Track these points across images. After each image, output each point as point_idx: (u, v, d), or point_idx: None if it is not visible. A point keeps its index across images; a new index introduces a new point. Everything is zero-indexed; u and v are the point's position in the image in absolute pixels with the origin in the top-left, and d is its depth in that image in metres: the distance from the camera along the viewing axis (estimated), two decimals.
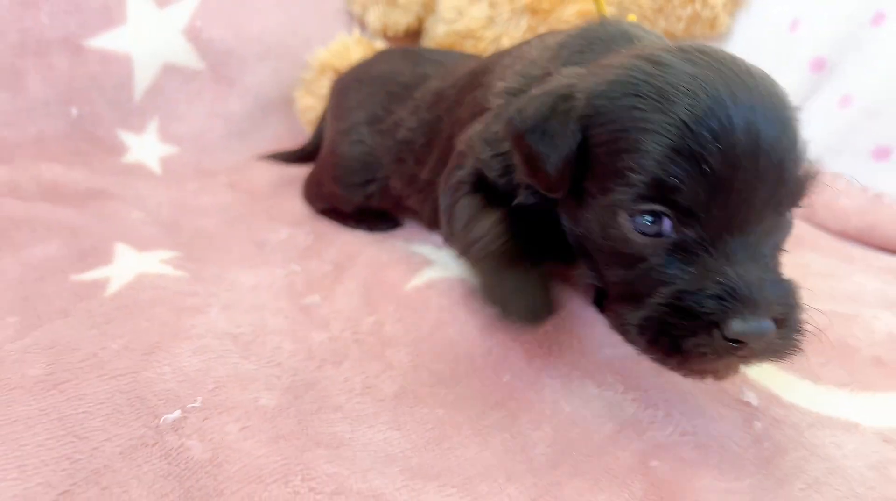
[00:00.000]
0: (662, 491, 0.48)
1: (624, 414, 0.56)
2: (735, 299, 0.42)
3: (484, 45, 1.13)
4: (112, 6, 1.10)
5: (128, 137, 1.14)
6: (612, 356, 0.62)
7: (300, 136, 1.27)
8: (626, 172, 0.45)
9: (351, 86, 0.98)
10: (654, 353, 0.46)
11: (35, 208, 0.87)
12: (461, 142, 0.67)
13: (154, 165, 1.12)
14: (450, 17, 1.15)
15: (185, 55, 1.17)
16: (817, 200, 1.07)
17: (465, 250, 0.64)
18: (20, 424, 0.50)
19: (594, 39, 0.59)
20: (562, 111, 0.50)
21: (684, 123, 0.43)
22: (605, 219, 0.48)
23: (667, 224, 0.45)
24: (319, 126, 1.09)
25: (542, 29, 1.11)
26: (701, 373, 0.47)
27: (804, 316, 0.46)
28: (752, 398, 0.58)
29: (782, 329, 0.43)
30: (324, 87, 1.22)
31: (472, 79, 0.74)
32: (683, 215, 0.44)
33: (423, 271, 0.78)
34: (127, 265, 0.75)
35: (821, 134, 1.05)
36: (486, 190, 0.64)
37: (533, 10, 1.10)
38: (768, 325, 0.42)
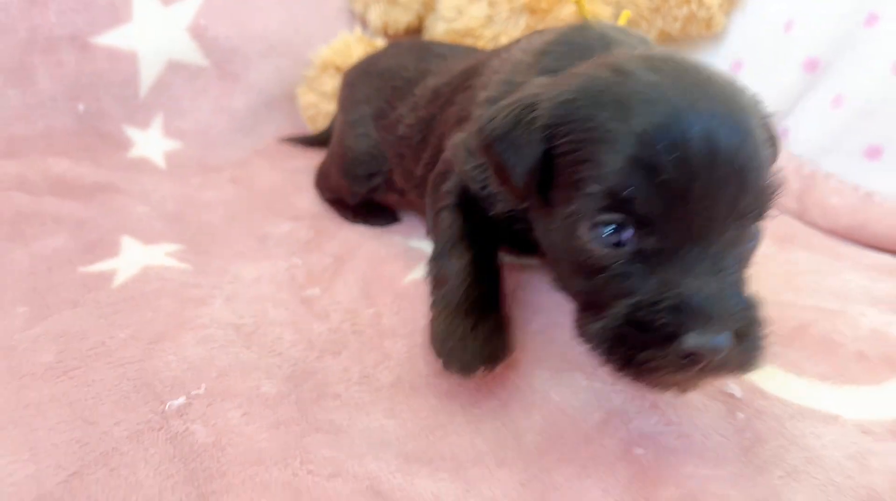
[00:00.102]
0: (646, 477, 0.50)
1: (611, 404, 0.57)
2: (691, 313, 0.41)
3: (483, 44, 1.14)
4: (118, 4, 1.12)
5: (133, 133, 1.16)
6: None
7: (302, 132, 1.29)
8: (586, 182, 0.45)
9: (359, 79, 0.99)
10: (611, 364, 0.46)
11: (43, 201, 0.89)
12: (448, 148, 0.68)
13: (159, 160, 1.13)
14: (449, 15, 1.16)
15: (190, 52, 1.19)
16: (809, 198, 1.09)
17: (431, 287, 0.64)
18: (32, 408, 0.52)
19: (574, 45, 0.59)
20: (526, 122, 0.50)
21: (642, 133, 0.43)
22: (567, 228, 0.48)
23: (626, 235, 0.45)
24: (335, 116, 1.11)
25: (540, 28, 1.13)
26: (660, 386, 0.46)
27: (765, 330, 0.45)
28: (735, 389, 0.59)
29: (742, 343, 0.42)
30: (326, 84, 1.24)
31: (465, 79, 0.74)
32: (642, 225, 0.44)
33: (421, 266, 0.80)
34: (133, 258, 0.77)
35: (813, 133, 1.06)
36: (469, 202, 0.65)
37: (531, 10, 1.12)
38: (724, 340, 0.41)
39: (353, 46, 1.24)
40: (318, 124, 1.28)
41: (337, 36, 1.28)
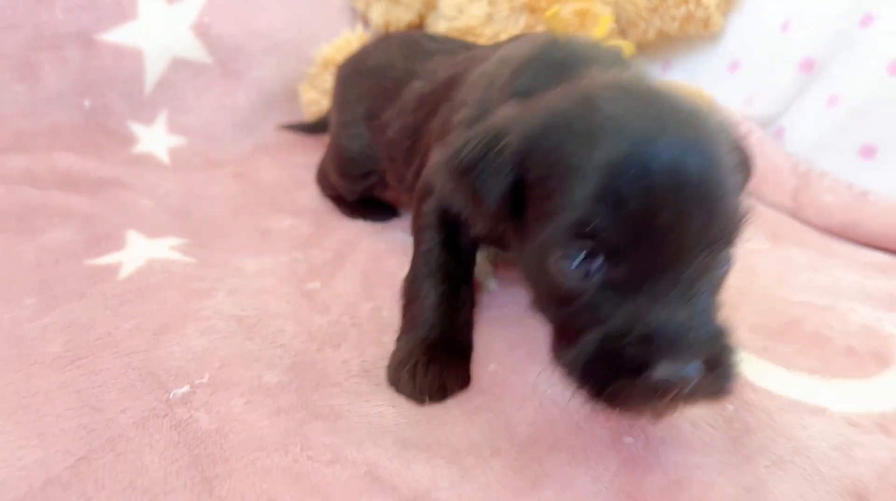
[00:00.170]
0: (635, 465, 0.51)
1: None
2: (661, 342, 0.41)
3: (483, 43, 1.16)
4: (124, 2, 1.13)
5: (138, 129, 1.17)
6: None
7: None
8: (555, 212, 0.45)
9: (350, 78, 0.99)
10: (584, 393, 0.45)
11: (50, 195, 0.90)
12: (428, 167, 0.68)
13: (163, 155, 1.15)
14: (450, 13, 1.18)
15: (194, 50, 1.20)
16: (803, 196, 1.10)
17: (402, 309, 0.66)
18: (41, 396, 0.54)
19: (548, 64, 0.59)
20: (495, 152, 0.50)
21: (608, 164, 0.43)
22: (539, 257, 0.48)
23: (595, 264, 0.44)
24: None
25: (539, 28, 1.14)
26: (633, 413, 0.46)
27: (736, 357, 0.45)
28: None
29: (713, 371, 0.42)
30: (327, 81, 1.25)
31: (448, 88, 0.73)
32: (611, 255, 0.44)
33: None
34: (138, 251, 0.79)
35: (809, 132, 1.07)
36: (449, 223, 0.66)
37: (531, 9, 1.13)
38: (695, 369, 0.41)
39: (355, 44, 1.25)
40: None
41: (339, 34, 1.29)
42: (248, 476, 0.47)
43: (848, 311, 0.72)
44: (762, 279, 0.81)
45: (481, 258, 0.78)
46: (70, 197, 0.91)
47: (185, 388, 0.55)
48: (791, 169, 1.08)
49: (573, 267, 0.45)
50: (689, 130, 0.45)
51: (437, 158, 0.65)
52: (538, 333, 0.67)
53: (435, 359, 0.59)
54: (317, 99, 1.27)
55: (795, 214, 1.06)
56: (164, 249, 0.80)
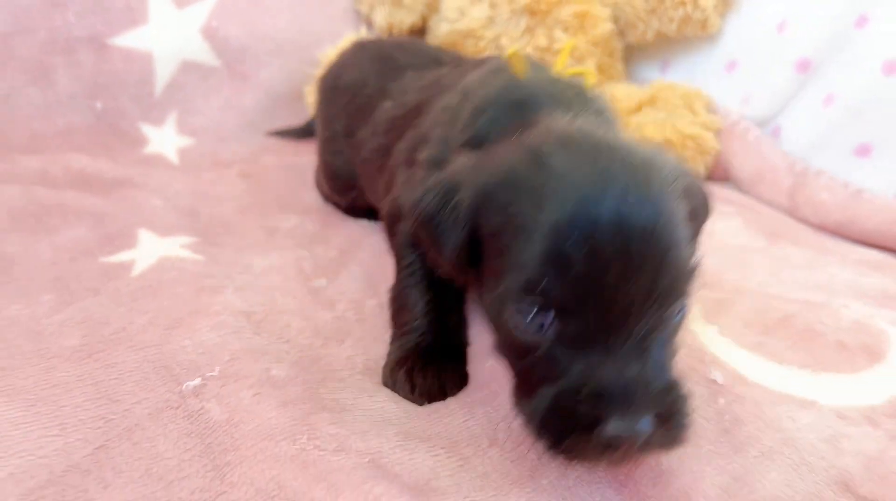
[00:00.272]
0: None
1: None
2: (612, 399, 0.42)
3: (484, 45, 1.17)
4: (135, 7, 1.16)
5: (149, 130, 1.20)
6: None
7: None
8: (508, 269, 0.46)
9: (328, 94, 1.00)
10: (542, 445, 0.46)
11: (64, 195, 0.92)
12: (397, 191, 0.69)
13: (172, 155, 1.17)
14: (452, 16, 1.19)
15: (203, 53, 1.23)
16: (799, 195, 1.11)
17: (391, 317, 0.67)
18: (60, 388, 0.55)
19: (508, 106, 0.60)
20: (451, 206, 0.51)
21: (554, 225, 0.43)
22: (497, 308, 0.49)
23: (547, 320, 0.45)
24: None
25: (539, 29, 1.15)
26: (590, 464, 0.47)
27: (688, 409, 0.45)
28: (718, 376, 0.61)
29: (665, 424, 0.43)
30: None
31: (416, 114, 0.74)
32: (561, 313, 0.44)
33: None
34: (150, 249, 0.80)
35: (805, 131, 1.08)
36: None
37: (532, 11, 1.14)
38: (646, 424, 0.41)
39: None
40: None
41: (343, 36, 1.31)
42: (257, 463, 0.49)
43: (841, 307, 0.73)
44: (758, 277, 0.83)
45: None
46: (84, 197, 0.93)
47: (197, 380, 0.57)
48: (788, 168, 1.09)
49: (527, 322, 0.46)
50: (637, 184, 0.45)
51: (404, 194, 0.65)
52: None
53: (430, 362, 0.60)
54: None
55: (792, 212, 1.07)
56: (175, 247, 0.82)
